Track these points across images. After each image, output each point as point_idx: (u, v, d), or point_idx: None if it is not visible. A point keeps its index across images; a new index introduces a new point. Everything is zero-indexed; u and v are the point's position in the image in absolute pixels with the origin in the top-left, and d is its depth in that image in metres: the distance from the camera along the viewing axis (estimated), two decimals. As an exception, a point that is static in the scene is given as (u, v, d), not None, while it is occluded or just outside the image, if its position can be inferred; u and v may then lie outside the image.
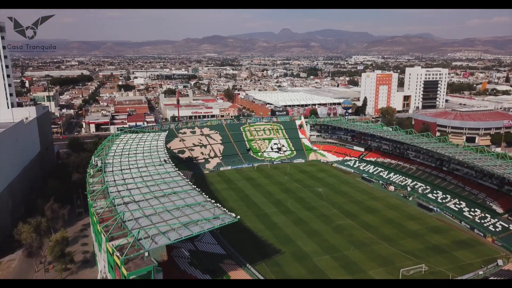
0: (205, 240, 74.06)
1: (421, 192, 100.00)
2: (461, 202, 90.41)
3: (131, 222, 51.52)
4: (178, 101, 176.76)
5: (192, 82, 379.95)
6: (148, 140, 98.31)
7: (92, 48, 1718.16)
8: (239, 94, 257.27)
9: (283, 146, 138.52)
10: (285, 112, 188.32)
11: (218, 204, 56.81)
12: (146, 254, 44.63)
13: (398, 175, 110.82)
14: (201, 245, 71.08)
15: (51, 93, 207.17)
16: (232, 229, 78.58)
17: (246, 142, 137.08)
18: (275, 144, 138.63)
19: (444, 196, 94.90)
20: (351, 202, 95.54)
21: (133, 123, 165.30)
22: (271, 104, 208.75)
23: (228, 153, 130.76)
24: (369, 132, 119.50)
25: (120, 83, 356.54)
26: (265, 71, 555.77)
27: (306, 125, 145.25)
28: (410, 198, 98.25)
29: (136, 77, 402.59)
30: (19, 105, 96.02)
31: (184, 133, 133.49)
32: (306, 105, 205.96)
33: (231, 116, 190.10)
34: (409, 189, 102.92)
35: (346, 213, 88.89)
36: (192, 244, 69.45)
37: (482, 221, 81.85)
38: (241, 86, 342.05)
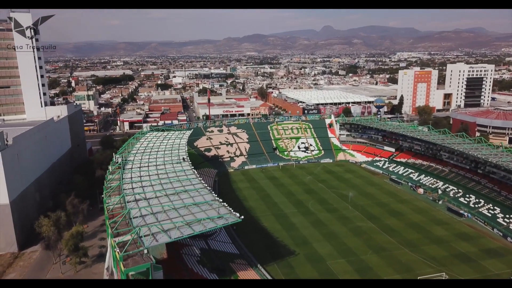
0: (219, 238, 74.11)
1: (452, 195, 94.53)
2: (495, 207, 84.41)
3: (137, 219, 52.33)
4: (209, 100, 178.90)
5: (229, 81, 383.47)
6: (172, 138, 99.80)
7: (138, 49, 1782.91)
8: (272, 92, 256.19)
9: (311, 145, 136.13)
10: (316, 111, 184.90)
11: (225, 203, 56.30)
12: (146, 251, 45.06)
13: (429, 177, 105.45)
14: (215, 243, 71.13)
15: (91, 92, 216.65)
16: (248, 228, 78.96)
17: (272, 141, 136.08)
18: (302, 143, 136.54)
19: (477, 200, 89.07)
20: (375, 205, 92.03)
21: (166, 121, 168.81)
22: (303, 102, 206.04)
23: (254, 152, 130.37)
24: (399, 132, 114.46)
25: (159, 82, 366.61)
26: (303, 69, 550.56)
27: (336, 124, 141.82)
28: (440, 202, 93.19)
29: (174, 76, 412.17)
30: (52, 104, 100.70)
31: (212, 131, 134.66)
32: (339, 104, 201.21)
33: (261, 115, 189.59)
34: (439, 192, 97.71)
35: (369, 215, 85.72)
36: (205, 242, 69.71)
37: (517, 228, 75.94)
38: (276, 84, 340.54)
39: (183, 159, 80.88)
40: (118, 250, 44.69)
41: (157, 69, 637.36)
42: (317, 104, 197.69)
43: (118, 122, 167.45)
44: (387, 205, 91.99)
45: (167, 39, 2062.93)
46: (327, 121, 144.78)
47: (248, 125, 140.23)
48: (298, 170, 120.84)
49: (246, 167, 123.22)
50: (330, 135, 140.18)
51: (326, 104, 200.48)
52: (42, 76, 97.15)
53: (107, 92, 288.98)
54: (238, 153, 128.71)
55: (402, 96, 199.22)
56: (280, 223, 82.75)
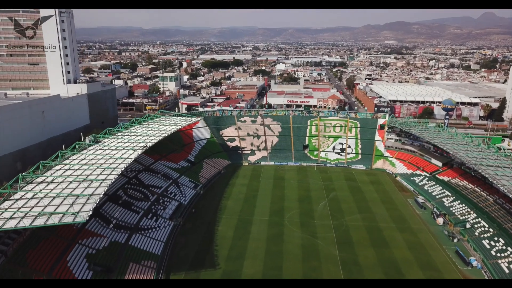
0: (154, 235, 70.11)
1: (477, 234, 71.45)
2: (522, 262, 60.55)
3: (10, 201, 52.06)
4: (267, 88, 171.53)
5: (335, 70, 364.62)
6: (169, 124, 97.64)
7: (275, 35, 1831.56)
8: (358, 84, 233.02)
9: (349, 147, 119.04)
10: (389, 108, 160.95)
11: (93, 201, 51.48)
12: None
13: (464, 205, 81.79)
14: (141, 239, 67.40)
15: (173, 74, 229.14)
16: (199, 229, 74.85)
17: (306, 137, 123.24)
18: (340, 143, 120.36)
19: (504, 247, 65.30)
20: (365, 229, 75.45)
21: (227, 107, 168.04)
22: (381, 97, 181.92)
23: (280, 147, 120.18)
24: (433, 142, 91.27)
25: (263, 68, 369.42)
26: (431, 60, 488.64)
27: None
28: (455, 240, 71.49)
29: (278, 63, 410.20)
30: (75, 82, 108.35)
31: (244, 121, 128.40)
32: (423, 102, 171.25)
33: (328, 108, 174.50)
34: (468, 225, 74.98)
35: (344, 241, 70.61)
36: (127, 236, 66.50)
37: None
38: (381, 75, 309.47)
39: (144, 147, 78.04)
40: None
41: (278, 55, 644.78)
42: (394, 101, 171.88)
43: (180, 104, 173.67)
44: (379, 231, 74.50)
45: (304, 26, 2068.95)
46: (380, 121, 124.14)
47: (286, 118, 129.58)
48: (317, 173, 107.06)
49: (262, 163, 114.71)
50: (377, 137, 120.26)
51: (406, 101, 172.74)
52: (66, 56, 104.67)
53: (205, 75, 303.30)
54: (262, 146, 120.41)
55: (504, 99, 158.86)
56: (236, 230, 74.34)
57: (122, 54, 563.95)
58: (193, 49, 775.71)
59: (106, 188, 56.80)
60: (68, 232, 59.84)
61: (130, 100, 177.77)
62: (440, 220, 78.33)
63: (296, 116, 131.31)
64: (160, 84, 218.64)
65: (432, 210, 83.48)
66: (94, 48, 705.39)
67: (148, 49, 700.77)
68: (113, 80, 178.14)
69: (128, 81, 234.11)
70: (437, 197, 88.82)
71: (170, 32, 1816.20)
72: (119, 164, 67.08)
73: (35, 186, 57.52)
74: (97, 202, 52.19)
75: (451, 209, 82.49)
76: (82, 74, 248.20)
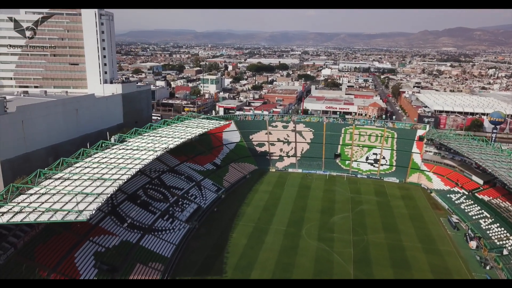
0: (167, 238, 70.17)
1: (514, 263, 64.47)
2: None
3: (24, 195, 54.03)
4: (304, 93, 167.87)
5: (383, 77, 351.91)
6: (197, 127, 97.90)
7: (326, 39, 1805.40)
8: (404, 92, 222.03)
9: (383, 158, 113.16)
10: (433, 119, 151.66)
11: (100, 201, 52.02)
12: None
13: (503, 228, 74.38)
14: (152, 240, 67.70)
15: (214, 77, 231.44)
16: (212, 233, 74.17)
17: (339, 146, 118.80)
18: (374, 154, 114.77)
19: (543, 281, 58.25)
20: (387, 247, 70.80)
21: (260, 111, 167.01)
22: (426, 106, 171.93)
23: (311, 155, 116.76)
24: (472, 158, 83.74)
25: (308, 72, 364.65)
26: (491, 69, 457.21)
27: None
28: (487, 267, 64.94)
29: (324, 68, 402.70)
30: (111, 82, 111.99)
31: (276, 126, 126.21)
32: (473, 114, 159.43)
33: (369, 116, 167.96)
34: (505, 252, 68.08)
35: (361, 258, 66.62)
36: (140, 237, 67.00)
37: None
38: (432, 83, 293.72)
39: (165, 148, 78.60)
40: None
41: (326, 60, 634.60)
42: (440, 111, 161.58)
43: (217, 107, 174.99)
44: (402, 251, 69.53)
45: (356, 31, 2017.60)
46: (419, 132, 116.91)
47: (319, 125, 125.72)
48: (345, 184, 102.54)
49: (290, 170, 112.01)
50: (414, 149, 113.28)
51: (453, 112, 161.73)
52: (104, 57, 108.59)
53: (248, 79, 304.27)
54: (291, 153, 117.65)
55: None
56: (250, 238, 72.65)
57: (173, 56, 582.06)
58: (242, 52, 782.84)
59: (116, 188, 57.39)
60: (81, 228, 61.12)
61: (170, 101, 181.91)
62: (473, 244, 71.63)
63: (330, 123, 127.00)
64: (201, 86, 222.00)
65: (466, 232, 76.70)
66: (148, 49, 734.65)
67: (199, 52, 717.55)
68: (155, 81, 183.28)
69: (172, 83, 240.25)
70: (473, 217, 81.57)
71: (222, 36, 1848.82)
72: (136, 164, 67.80)
73: (51, 182, 59.37)
74: (103, 201, 52.73)
75: (487, 232, 75.25)
76: (131, 75, 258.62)
